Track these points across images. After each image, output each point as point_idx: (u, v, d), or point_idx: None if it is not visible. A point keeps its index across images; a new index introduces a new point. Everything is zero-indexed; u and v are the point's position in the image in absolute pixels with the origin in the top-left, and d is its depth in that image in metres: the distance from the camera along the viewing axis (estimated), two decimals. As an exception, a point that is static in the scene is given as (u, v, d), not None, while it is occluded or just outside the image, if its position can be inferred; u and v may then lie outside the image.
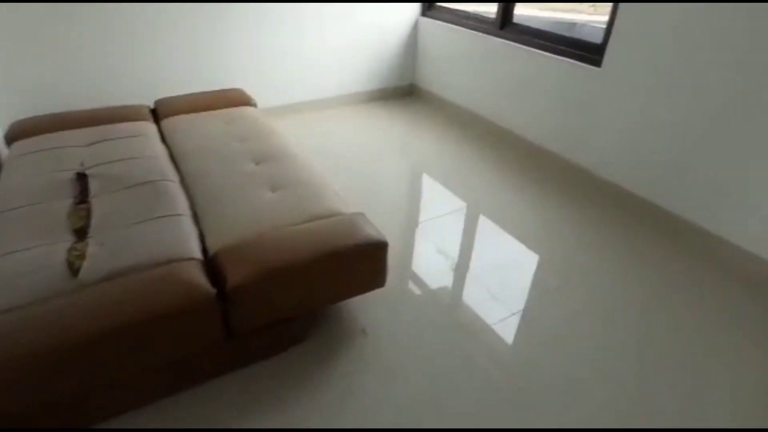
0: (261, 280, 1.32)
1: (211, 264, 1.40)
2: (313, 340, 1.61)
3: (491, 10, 3.23)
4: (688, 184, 2.15)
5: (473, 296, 1.88)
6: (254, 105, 2.58)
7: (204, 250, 1.48)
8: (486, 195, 2.58)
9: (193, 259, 1.38)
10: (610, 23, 2.31)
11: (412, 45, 3.63)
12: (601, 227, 2.29)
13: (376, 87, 3.65)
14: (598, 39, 2.42)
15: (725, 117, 1.96)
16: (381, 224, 1.59)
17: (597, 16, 4.29)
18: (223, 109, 2.44)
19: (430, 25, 3.45)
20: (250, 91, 2.72)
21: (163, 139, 2.17)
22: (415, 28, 3.56)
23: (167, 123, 2.28)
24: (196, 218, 1.61)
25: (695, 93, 2.03)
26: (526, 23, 2.90)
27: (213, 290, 1.27)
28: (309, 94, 3.41)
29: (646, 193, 2.34)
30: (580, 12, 5.46)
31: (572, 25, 4.11)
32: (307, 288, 1.43)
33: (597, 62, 2.39)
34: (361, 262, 1.50)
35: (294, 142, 2.14)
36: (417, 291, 1.90)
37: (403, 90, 3.78)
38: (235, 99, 2.55)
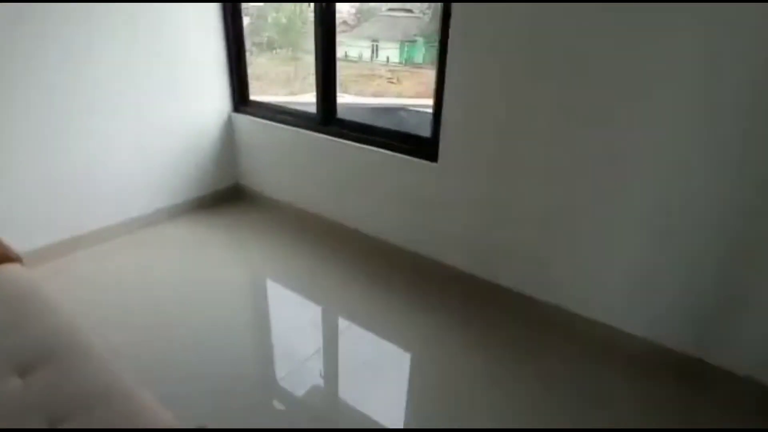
0: None
1: None
2: None
3: (310, 100, 3.06)
4: (523, 262, 2.22)
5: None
6: (17, 260, 1.85)
7: None
8: (342, 302, 2.36)
9: None
10: (437, 116, 2.28)
11: (229, 143, 3.23)
12: (455, 311, 2.28)
13: (194, 195, 3.13)
14: (429, 128, 2.39)
15: (549, 201, 2.04)
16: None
17: (421, 100, 4.47)
18: (-39, 277, 1.67)
19: (246, 121, 3.12)
20: (7, 234, 1.98)
21: None
22: (229, 125, 3.19)
23: None
24: None
25: (521, 180, 2.09)
26: (350, 112, 2.79)
27: None
28: (102, 220, 2.71)
29: (488, 275, 2.35)
30: (400, 95, 5.73)
31: (398, 110, 4.19)
32: None
33: (432, 157, 2.34)
34: None
35: (84, 311, 1.56)
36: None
37: (228, 193, 3.32)
38: (-17, 255, 1.80)
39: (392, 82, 6.45)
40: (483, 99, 2.09)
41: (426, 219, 2.47)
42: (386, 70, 6.23)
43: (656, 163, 1.75)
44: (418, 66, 6.12)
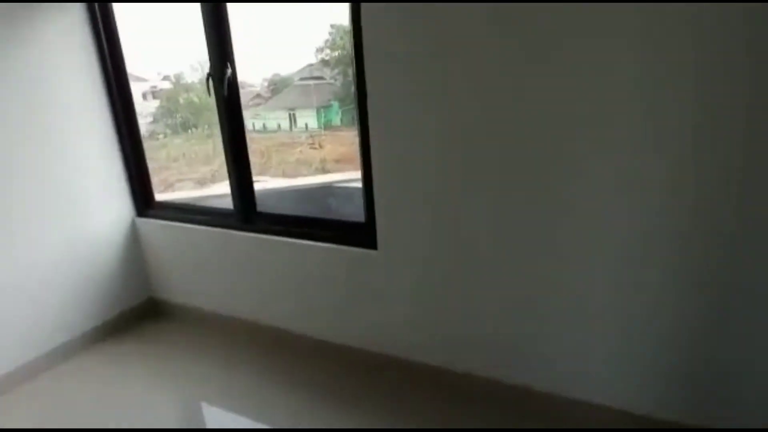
0: None
1: None
2: None
3: (224, 190, 2.76)
4: (488, 347, 1.99)
5: None
6: None
7: None
8: (292, 417, 2.03)
9: None
10: (369, 195, 2.04)
11: (136, 254, 2.79)
12: (413, 408, 2.02)
13: (98, 322, 2.63)
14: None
15: (508, 280, 1.85)
16: None
17: (349, 173, 4.26)
18: None
19: (154, 226, 2.72)
20: None
21: None
22: (134, 232, 2.77)
23: None
24: None
25: (474, 261, 1.89)
26: (273, 199, 2.52)
27: None
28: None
29: (441, 362, 2.10)
30: (324, 160, 5.56)
31: (326, 189, 3.93)
32: None
33: (371, 244, 2.08)
34: None
35: None
36: None
37: (141, 310, 2.84)
38: None
39: (314, 148, 6.35)
40: (417, 169, 1.88)
41: (372, 312, 2.18)
42: (306, 137, 6.16)
43: (621, 223, 1.61)
44: (337, 129, 6.11)
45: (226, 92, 2.26)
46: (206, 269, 2.62)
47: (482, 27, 1.61)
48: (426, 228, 1.94)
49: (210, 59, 2.27)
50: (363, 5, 1.77)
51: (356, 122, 2.04)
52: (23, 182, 2.26)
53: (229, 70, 2.23)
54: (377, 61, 1.82)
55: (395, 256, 2.04)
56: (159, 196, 2.89)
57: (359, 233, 2.13)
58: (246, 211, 2.42)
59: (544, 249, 1.75)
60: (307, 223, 2.29)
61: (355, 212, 2.28)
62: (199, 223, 2.56)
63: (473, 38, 1.63)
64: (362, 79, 1.88)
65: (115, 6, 2.48)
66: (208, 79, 2.29)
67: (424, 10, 1.67)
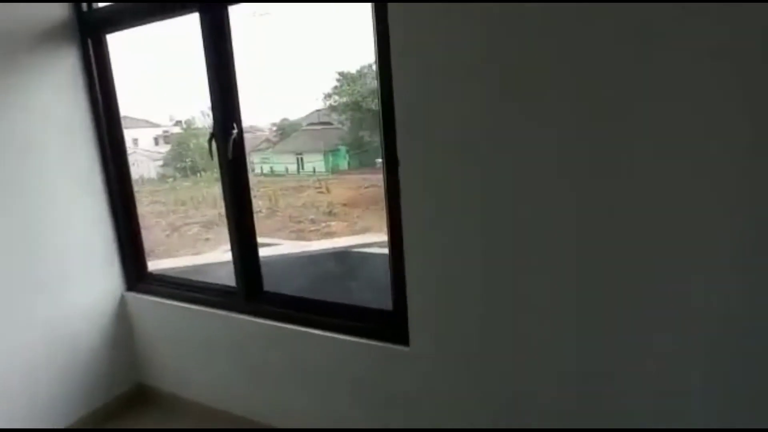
0: None
1: None
2: None
3: (223, 257, 2.43)
4: None
5: None
6: None
7: None
8: None
9: None
10: (398, 277, 1.68)
11: (124, 333, 2.42)
12: None
13: (77, 416, 2.24)
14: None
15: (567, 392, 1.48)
16: None
17: (368, 236, 3.96)
18: None
19: (145, 303, 2.37)
20: None
21: None
22: (122, 309, 2.41)
23: None
24: None
25: (525, 366, 1.53)
26: (282, 268, 2.18)
27: None
28: None
29: None
30: (332, 203, 5.34)
31: (345, 253, 3.59)
32: None
33: (401, 338, 1.72)
34: None
35: None
36: None
37: (127, 399, 2.44)
38: None
39: (321, 192, 6.15)
40: (463, 243, 1.52)
41: (405, 421, 1.80)
42: (314, 181, 6.01)
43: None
44: (344, 173, 5.96)
45: (230, 155, 1.96)
46: (203, 356, 2.24)
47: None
48: (472, 318, 1.58)
49: (214, 117, 1.99)
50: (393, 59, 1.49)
51: (383, 183, 1.70)
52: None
53: (235, 131, 1.94)
54: (412, 118, 1.51)
55: (432, 354, 1.68)
56: (153, 264, 2.56)
57: (386, 323, 1.78)
58: (250, 290, 2.08)
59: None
60: (322, 308, 1.93)
61: (378, 279, 1.94)
62: (196, 301, 2.21)
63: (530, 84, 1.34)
64: (392, 137, 1.57)
65: (116, 62, 2.24)
66: (210, 141, 2.01)
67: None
